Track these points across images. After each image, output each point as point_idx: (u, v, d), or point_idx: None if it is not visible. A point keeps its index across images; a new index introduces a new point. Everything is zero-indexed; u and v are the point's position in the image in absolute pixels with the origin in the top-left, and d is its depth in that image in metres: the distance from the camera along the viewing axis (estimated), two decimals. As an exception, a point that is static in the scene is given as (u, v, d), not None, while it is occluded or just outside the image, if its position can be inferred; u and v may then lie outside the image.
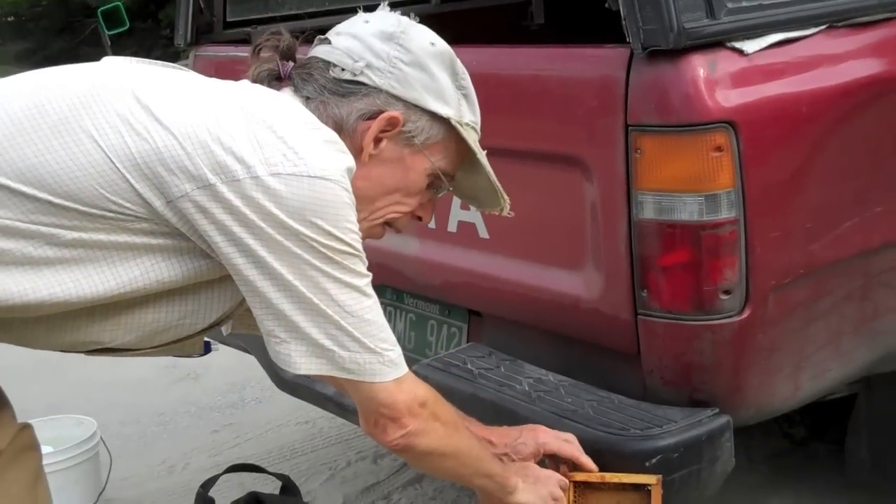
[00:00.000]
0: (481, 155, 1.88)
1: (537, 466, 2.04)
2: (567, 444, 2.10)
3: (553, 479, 2.02)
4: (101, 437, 3.53)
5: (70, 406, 4.40)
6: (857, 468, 3.01)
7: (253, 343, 3.21)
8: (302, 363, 1.69)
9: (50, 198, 1.56)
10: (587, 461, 2.09)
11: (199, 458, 4.05)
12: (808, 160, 2.28)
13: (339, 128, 1.74)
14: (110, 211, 1.58)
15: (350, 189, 1.65)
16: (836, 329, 2.44)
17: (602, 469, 2.13)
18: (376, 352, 1.71)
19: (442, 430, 1.82)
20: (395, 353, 1.76)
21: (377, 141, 1.77)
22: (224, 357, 5.08)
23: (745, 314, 2.20)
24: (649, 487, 2.06)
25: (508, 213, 2.01)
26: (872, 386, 2.82)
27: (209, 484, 2.15)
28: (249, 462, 2.26)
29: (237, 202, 1.58)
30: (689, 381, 2.26)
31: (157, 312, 1.69)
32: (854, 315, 2.48)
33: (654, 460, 2.14)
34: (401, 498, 3.56)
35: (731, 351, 2.23)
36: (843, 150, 2.34)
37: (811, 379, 2.42)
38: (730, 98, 2.16)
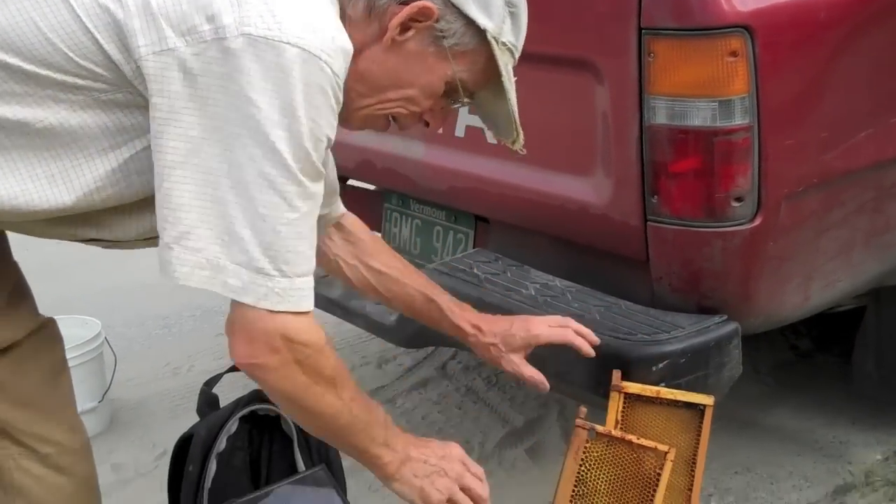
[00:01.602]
0: (509, 82, 1.72)
1: (449, 453, 1.81)
2: (561, 329, 2.04)
3: (454, 472, 1.79)
4: (105, 338, 3.54)
5: (74, 308, 4.40)
6: (863, 381, 3.03)
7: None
8: (183, 272, 1.52)
9: (21, 63, 1.48)
10: (583, 344, 2.03)
11: (203, 361, 4.06)
12: (825, 68, 2.25)
13: (370, 6, 1.62)
14: (81, 77, 1.48)
15: (335, 72, 1.47)
16: (847, 240, 2.43)
17: (601, 377, 2.12)
18: (268, 273, 1.49)
19: (301, 379, 1.59)
20: (294, 283, 1.53)
21: (404, 28, 1.62)
22: (228, 262, 5.11)
23: (757, 222, 2.19)
24: (702, 407, 2.03)
25: (521, 150, 1.87)
26: (881, 299, 2.82)
27: (213, 382, 2.14)
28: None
29: (196, 66, 1.43)
30: (697, 287, 2.25)
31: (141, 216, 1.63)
32: (865, 227, 2.46)
33: (660, 365, 2.14)
34: (405, 402, 3.57)
35: (741, 258, 2.21)
36: (860, 58, 2.31)
37: (820, 289, 2.42)
38: (746, 2, 2.12)
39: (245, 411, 2.10)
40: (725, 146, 2.14)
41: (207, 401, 2.10)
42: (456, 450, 1.83)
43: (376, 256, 2.13)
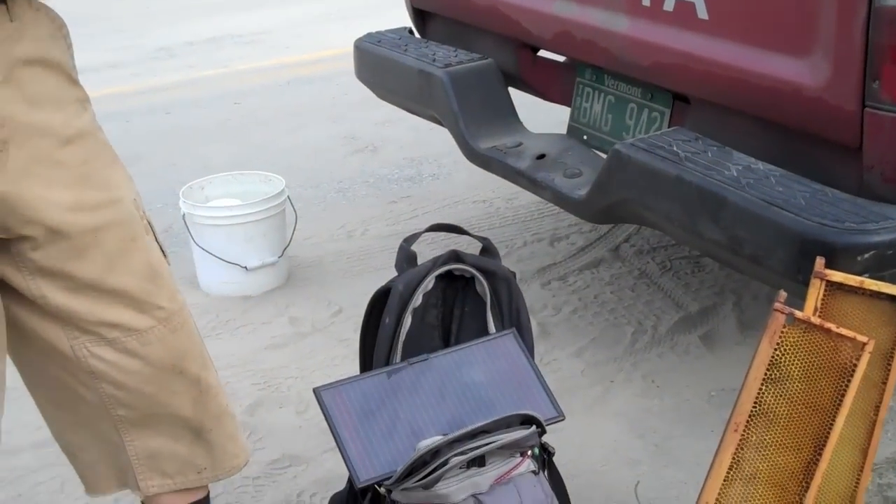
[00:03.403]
0: None
1: None
2: None
3: None
4: (288, 196, 3.61)
5: (253, 165, 4.52)
6: None
7: (445, 112, 3.21)
8: None
9: None
10: None
11: (377, 226, 4.12)
12: None
13: None
14: None
15: None
16: None
17: (801, 263, 2.07)
18: None
19: None
20: None
21: None
22: (403, 132, 5.15)
23: (983, 114, 2.08)
24: None
25: None
26: None
27: (411, 239, 2.16)
28: (448, 223, 2.26)
29: None
30: (911, 179, 2.16)
31: None
32: None
33: (866, 255, 2.07)
34: (577, 280, 3.57)
35: (961, 151, 2.12)
36: None
37: None
38: None
39: (441, 270, 2.12)
40: (958, 32, 2.03)
41: (406, 257, 2.13)
42: None
43: None
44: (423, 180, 4.63)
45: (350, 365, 3.06)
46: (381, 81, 3.60)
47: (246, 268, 3.50)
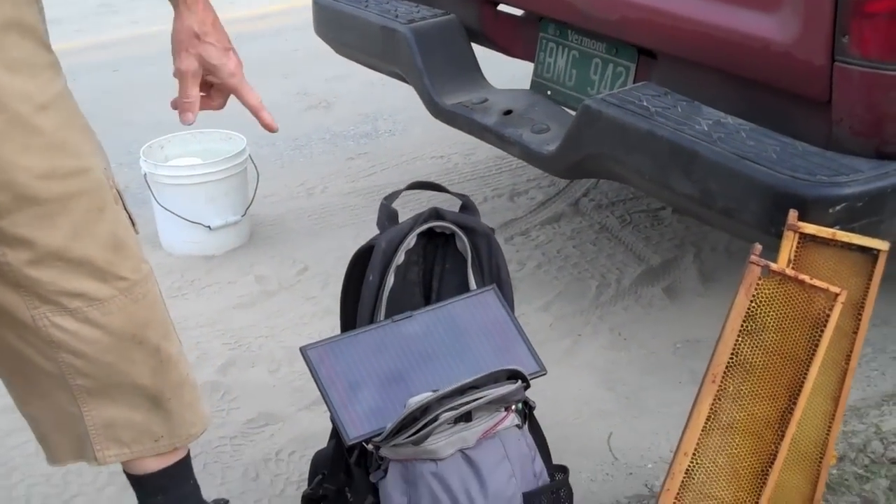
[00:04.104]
0: None
1: None
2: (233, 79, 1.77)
3: None
4: (249, 154, 3.59)
5: (206, 123, 4.44)
6: None
7: (409, 69, 3.20)
8: None
9: None
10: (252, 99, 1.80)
11: (336, 183, 4.12)
12: None
13: None
14: None
15: None
16: None
17: (774, 216, 2.11)
18: None
19: None
20: None
21: None
22: (355, 87, 5.13)
23: (951, 68, 2.13)
24: (876, 252, 2.01)
25: None
26: None
27: (392, 197, 2.17)
28: (427, 181, 2.27)
29: None
30: (879, 132, 2.21)
31: None
32: None
33: (837, 208, 2.12)
34: (539, 235, 3.60)
35: (929, 104, 2.16)
36: None
37: None
38: None
39: (423, 227, 2.13)
40: (925, -13, 2.07)
41: (388, 215, 2.14)
42: None
43: None
44: (379, 136, 4.63)
45: (318, 323, 3.08)
46: (341, 37, 3.58)
47: (209, 227, 3.48)
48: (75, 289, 1.70)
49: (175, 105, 1.76)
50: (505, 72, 3.79)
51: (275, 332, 3.07)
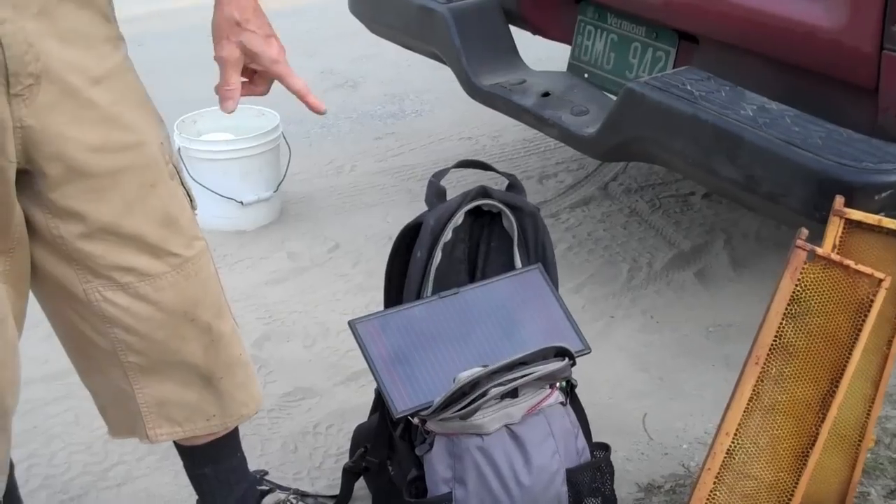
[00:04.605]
0: None
1: None
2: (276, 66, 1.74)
3: None
4: (282, 131, 3.61)
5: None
6: None
7: (447, 49, 3.21)
8: None
9: None
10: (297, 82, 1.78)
11: (364, 162, 4.13)
12: None
13: None
14: None
15: None
16: None
17: (819, 202, 2.11)
18: None
19: None
20: None
21: None
22: (381, 67, 5.13)
23: None
24: None
25: None
26: None
27: (440, 174, 2.18)
28: (475, 159, 2.28)
29: None
30: (927, 121, 2.22)
31: None
32: None
33: (883, 195, 2.13)
34: (569, 217, 3.61)
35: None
36: None
37: None
38: None
39: (471, 205, 2.15)
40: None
41: (436, 192, 2.15)
42: None
43: None
44: (405, 117, 4.64)
45: (352, 300, 3.09)
46: (378, 16, 3.59)
47: (242, 202, 3.50)
48: (127, 263, 1.70)
49: (217, 92, 1.75)
50: (531, 53, 3.79)
51: (308, 308, 3.08)
